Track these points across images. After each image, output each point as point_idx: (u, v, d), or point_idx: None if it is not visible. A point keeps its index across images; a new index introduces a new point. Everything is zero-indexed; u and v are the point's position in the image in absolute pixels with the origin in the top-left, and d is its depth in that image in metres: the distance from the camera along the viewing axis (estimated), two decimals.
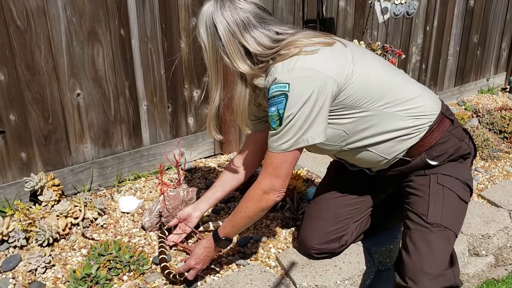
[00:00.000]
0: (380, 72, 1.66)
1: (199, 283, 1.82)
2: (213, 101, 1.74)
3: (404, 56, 2.89)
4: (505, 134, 3.15)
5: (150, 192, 2.47)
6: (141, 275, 1.87)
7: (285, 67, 1.51)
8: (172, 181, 2.55)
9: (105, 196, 2.42)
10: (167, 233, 2.07)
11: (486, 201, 2.48)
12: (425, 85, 2.89)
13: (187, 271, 1.77)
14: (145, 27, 2.35)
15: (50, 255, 1.94)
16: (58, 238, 2.03)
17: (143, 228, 2.16)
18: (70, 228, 2.10)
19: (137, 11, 2.30)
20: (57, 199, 2.19)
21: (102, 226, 2.18)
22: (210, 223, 2.16)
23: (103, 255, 1.88)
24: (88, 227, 2.16)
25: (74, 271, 1.81)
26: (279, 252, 2.00)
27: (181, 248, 2.00)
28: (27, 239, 2.01)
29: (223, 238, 1.74)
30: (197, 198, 2.23)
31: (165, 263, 1.87)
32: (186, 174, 2.65)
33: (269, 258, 1.97)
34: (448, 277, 1.52)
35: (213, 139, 2.81)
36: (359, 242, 2.03)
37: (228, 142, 2.85)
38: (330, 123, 1.61)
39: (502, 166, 2.84)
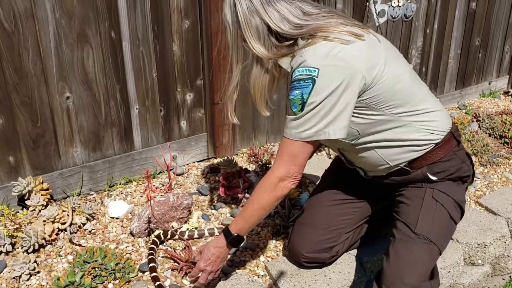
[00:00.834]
0: (407, 79, 1.59)
1: None
2: (232, 84, 1.71)
3: None
4: (506, 139, 3.09)
5: (141, 196, 2.44)
6: (127, 283, 1.83)
7: (318, 52, 1.44)
8: (163, 185, 2.52)
9: (95, 200, 2.38)
10: (157, 241, 2.03)
11: (483, 208, 2.42)
12: None
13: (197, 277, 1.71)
14: (137, 30, 2.31)
15: (35, 261, 1.92)
16: (44, 244, 2.00)
17: (131, 234, 2.13)
18: (57, 234, 2.07)
19: (128, 13, 2.26)
20: (45, 203, 2.16)
21: (90, 231, 2.14)
22: (195, 230, 2.12)
23: (88, 262, 1.85)
24: (75, 233, 2.12)
25: (58, 279, 1.78)
26: (268, 261, 1.96)
27: (169, 255, 1.96)
28: (13, 244, 1.98)
29: (235, 234, 1.65)
30: (187, 204, 2.19)
31: (155, 273, 1.83)
32: (178, 178, 2.61)
33: (257, 267, 1.93)
34: None
35: (206, 143, 2.77)
36: (351, 251, 1.98)
37: (222, 146, 2.81)
38: None
39: (501, 172, 2.78)
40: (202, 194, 2.45)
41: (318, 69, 1.42)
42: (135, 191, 2.48)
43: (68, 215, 2.12)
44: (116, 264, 1.85)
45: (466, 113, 3.62)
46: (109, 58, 2.28)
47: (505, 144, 3.07)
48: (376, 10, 2.66)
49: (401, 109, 1.57)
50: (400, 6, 2.88)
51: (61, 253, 1.99)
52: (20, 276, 1.82)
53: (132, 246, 2.06)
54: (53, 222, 2.06)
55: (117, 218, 2.25)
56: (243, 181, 2.29)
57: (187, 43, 2.49)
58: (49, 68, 2.13)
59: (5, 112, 2.08)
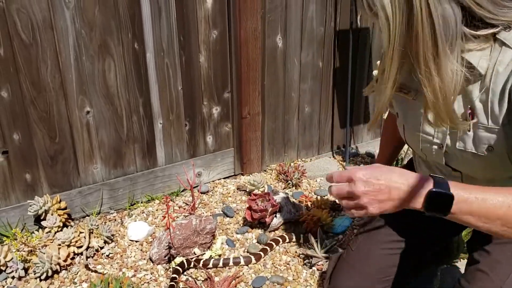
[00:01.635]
0: None
1: None
2: (385, 89, 1.13)
3: None
4: None
5: (163, 217, 2.29)
6: None
7: None
8: (187, 205, 2.37)
9: (115, 220, 2.26)
10: (180, 269, 1.89)
11: None
12: None
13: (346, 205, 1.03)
14: (161, 40, 2.17)
15: None
16: (59, 270, 1.88)
17: (151, 260, 1.99)
18: (73, 258, 1.95)
19: (152, 23, 2.12)
20: (61, 224, 2.04)
21: (108, 255, 2.01)
22: (220, 258, 1.96)
23: None
24: (92, 257, 2.00)
25: None
26: None
27: (189, 285, 1.81)
28: (26, 269, 1.87)
29: (450, 194, 0.93)
30: (210, 228, 2.04)
31: None
32: (203, 196, 2.46)
33: None
34: None
35: (233, 158, 2.61)
36: None
37: (250, 162, 2.64)
38: None
39: None
40: (227, 216, 2.29)
41: None
42: (157, 210, 2.34)
43: (85, 238, 2.00)
44: None
45: None
46: (132, 70, 2.15)
47: None
48: None
49: None
50: None
51: (75, 280, 1.87)
52: None
53: (151, 274, 1.91)
54: (68, 245, 1.94)
55: (136, 241, 2.11)
56: (271, 205, 2.11)
57: (214, 54, 2.34)
58: (69, 81, 2.01)
59: (22, 127, 1.97)
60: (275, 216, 2.17)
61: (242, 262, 1.94)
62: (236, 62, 2.40)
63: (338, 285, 1.51)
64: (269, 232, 2.17)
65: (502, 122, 1.08)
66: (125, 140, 2.24)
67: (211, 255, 2.01)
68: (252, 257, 1.96)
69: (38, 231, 2.03)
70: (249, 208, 2.15)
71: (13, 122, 1.95)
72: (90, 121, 2.12)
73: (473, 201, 0.93)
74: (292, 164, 2.74)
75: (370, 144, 3.17)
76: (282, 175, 2.58)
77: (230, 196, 2.47)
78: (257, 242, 2.11)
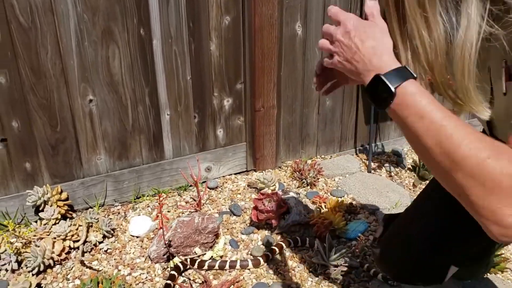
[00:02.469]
0: None
1: None
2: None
3: None
4: None
5: (168, 211, 2.20)
6: None
7: None
8: (195, 200, 2.26)
9: (118, 213, 2.17)
10: (181, 267, 1.78)
11: None
12: None
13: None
14: (169, 26, 2.05)
15: (39, 284, 1.73)
16: (52, 264, 1.81)
17: (149, 258, 1.89)
18: (68, 252, 1.88)
19: (159, 8, 2.01)
20: (59, 216, 1.97)
21: (106, 251, 1.93)
22: (217, 260, 1.84)
23: None
24: (90, 252, 1.92)
25: None
26: None
27: None
28: (19, 262, 1.80)
29: (391, 90, 0.83)
30: (212, 227, 1.92)
31: None
32: (211, 192, 2.35)
33: None
34: None
35: (245, 154, 2.48)
36: None
37: (263, 158, 2.50)
38: None
39: None
40: (234, 214, 2.16)
41: None
42: (163, 204, 2.24)
43: (82, 232, 1.92)
44: None
45: None
46: (138, 58, 2.04)
47: None
48: None
49: None
50: None
51: (69, 276, 1.79)
52: None
53: (147, 273, 1.81)
54: (64, 239, 1.87)
55: (137, 237, 2.02)
56: (279, 206, 1.97)
57: (226, 42, 2.20)
58: (70, 68, 1.93)
59: (21, 115, 1.91)
60: (283, 218, 2.02)
61: (238, 266, 1.81)
62: (250, 51, 2.25)
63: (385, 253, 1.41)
64: (276, 234, 2.02)
65: None
66: (130, 131, 2.15)
67: (212, 256, 1.89)
68: (250, 262, 1.82)
69: (36, 222, 1.97)
70: (255, 208, 2.01)
71: (11, 109, 1.88)
72: (93, 110, 2.03)
73: (415, 113, 0.81)
74: (308, 161, 2.57)
75: (397, 141, 2.96)
76: (297, 173, 2.43)
77: (240, 193, 2.34)
78: (263, 244, 1.97)
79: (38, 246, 1.78)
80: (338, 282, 1.75)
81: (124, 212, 2.18)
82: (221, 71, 2.24)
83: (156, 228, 2.07)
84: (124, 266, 1.85)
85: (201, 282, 1.76)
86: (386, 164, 2.73)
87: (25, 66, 1.85)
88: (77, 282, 1.76)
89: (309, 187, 2.39)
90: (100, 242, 1.95)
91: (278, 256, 1.90)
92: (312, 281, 1.77)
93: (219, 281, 1.76)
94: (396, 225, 1.44)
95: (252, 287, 1.73)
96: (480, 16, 0.83)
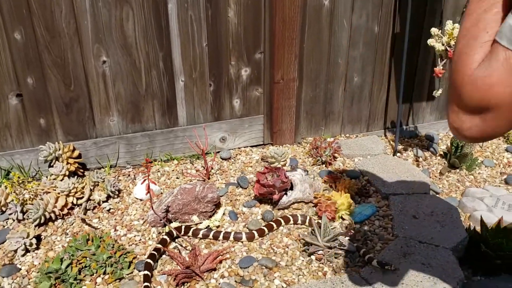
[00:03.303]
0: None
1: None
2: None
3: None
4: None
5: (177, 177, 2.20)
6: (118, 281, 1.62)
7: None
8: (212, 169, 2.24)
9: (129, 175, 2.21)
10: (174, 233, 1.78)
11: None
12: None
13: None
14: None
15: (39, 235, 1.80)
16: (53, 218, 1.87)
17: (147, 221, 1.90)
18: (71, 208, 1.93)
19: None
20: (67, 173, 2.03)
21: (108, 210, 1.97)
22: (213, 230, 1.81)
23: (81, 250, 1.66)
24: (93, 210, 1.97)
25: (47, 261, 1.63)
26: (282, 287, 1.58)
27: (170, 256, 1.70)
28: (24, 213, 1.88)
29: None
30: (212, 197, 1.90)
31: (148, 272, 1.59)
32: (223, 163, 2.32)
33: None
34: None
35: (262, 127, 2.42)
36: None
37: (281, 132, 2.42)
38: None
39: None
40: (240, 186, 2.12)
41: None
42: (173, 170, 2.25)
43: (91, 190, 1.96)
44: (109, 257, 1.64)
45: None
46: (152, 21, 2.02)
47: None
48: None
49: None
50: None
51: (68, 231, 1.85)
52: (16, 250, 1.71)
53: (142, 236, 1.83)
54: (67, 195, 1.92)
55: (140, 200, 2.04)
56: (281, 181, 1.90)
57: (246, 9, 2.12)
58: (84, 28, 1.95)
59: (35, 72, 1.96)
60: (285, 194, 1.96)
61: (231, 238, 1.78)
62: (270, 19, 2.16)
63: None
64: (278, 210, 1.97)
65: None
66: (144, 95, 2.15)
67: (208, 225, 1.87)
68: (244, 235, 1.78)
69: (47, 177, 2.04)
70: (258, 181, 1.96)
71: (27, 65, 1.94)
72: (106, 72, 2.05)
73: None
74: (328, 139, 2.47)
75: (432, 126, 2.77)
76: (314, 150, 2.33)
77: (251, 166, 2.29)
78: (262, 219, 1.92)
79: (42, 200, 1.84)
80: (330, 264, 1.67)
81: (134, 175, 2.21)
82: (239, 39, 2.18)
83: (161, 193, 2.09)
84: (122, 226, 1.88)
85: (191, 249, 1.75)
86: (415, 149, 2.56)
87: (40, 25, 1.89)
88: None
89: (324, 165, 2.29)
90: (104, 202, 2.00)
91: (275, 232, 1.85)
92: (303, 260, 1.70)
93: (209, 251, 1.74)
94: None
95: (240, 260, 1.69)
96: None
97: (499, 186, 2.31)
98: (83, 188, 1.98)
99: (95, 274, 1.62)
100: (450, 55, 2.10)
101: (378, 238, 1.81)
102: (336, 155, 2.33)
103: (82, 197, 1.96)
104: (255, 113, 2.38)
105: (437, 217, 1.90)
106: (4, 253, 1.73)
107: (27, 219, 1.88)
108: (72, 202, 1.93)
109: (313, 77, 2.39)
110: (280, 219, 1.87)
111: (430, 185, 2.16)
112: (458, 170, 2.40)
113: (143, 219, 1.93)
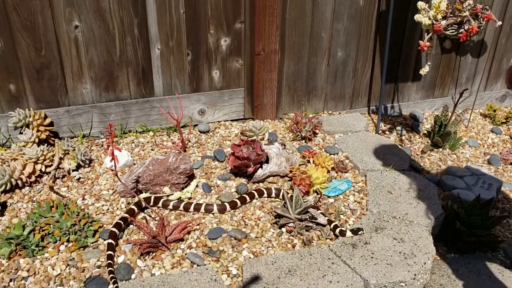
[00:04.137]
0: None
1: (133, 276, 1.47)
2: None
3: (499, 23, 2.06)
4: None
5: (152, 149, 2.15)
6: (82, 249, 1.57)
7: None
8: (190, 142, 2.19)
9: (102, 146, 2.15)
10: (143, 204, 1.73)
11: None
12: None
13: None
14: None
15: (5, 202, 1.75)
16: (21, 185, 1.82)
17: (116, 191, 1.86)
18: (40, 176, 1.88)
19: None
20: (36, 140, 1.97)
21: (78, 179, 1.92)
22: (183, 201, 1.77)
23: (45, 217, 1.61)
24: (62, 178, 1.91)
25: (9, 227, 1.58)
26: (250, 258, 1.54)
27: (137, 226, 1.65)
28: None
29: None
30: (184, 168, 1.84)
31: (112, 241, 1.55)
32: (201, 136, 2.26)
33: (233, 262, 1.53)
34: None
35: (243, 100, 2.36)
36: None
37: (262, 106, 2.37)
38: None
39: None
40: (217, 160, 2.07)
41: None
42: (148, 142, 2.19)
43: (61, 158, 1.91)
44: (73, 225, 1.59)
45: None
46: None
47: None
48: None
49: None
50: None
51: (34, 198, 1.80)
52: None
53: (110, 206, 1.78)
54: (36, 162, 1.87)
55: (112, 170, 1.99)
56: (256, 154, 1.85)
57: None
58: None
59: (4, 35, 1.89)
60: (261, 167, 1.91)
61: (202, 210, 1.74)
62: None
63: None
64: (253, 183, 1.92)
65: None
66: (118, 63, 2.09)
67: (180, 197, 1.82)
68: (215, 206, 1.74)
69: (17, 144, 1.98)
70: (233, 154, 1.91)
71: None
72: (78, 37, 1.98)
73: None
74: (309, 115, 2.41)
75: (418, 104, 2.72)
76: (295, 125, 2.28)
77: (230, 140, 2.24)
78: (236, 191, 1.88)
79: (5, 168, 1.79)
80: (301, 237, 1.63)
81: (108, 145, 2.15)
82: (218, 7, 2.10)
83: (134, 164, 2.03)
84: (90, 196, 1.83)
85: (159, 220, 1.70)
86: (399, 127, 2.51)
87: None
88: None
89: (303, 141, 2.24)
90: (74, 170, 1.94)
91: (248, 205, 1.80)
92: (273, 232, 1.66)
93: (178, 221, 1.70)
94: None
95: (209, 231, 1.65)
96: None
97: (481, 166, 2.27)
98: (53, 156, 1.93)
99: (58, 242, 1.57)
100: (437, 28, 2.03)
101: (351, 213, 1.77)
102: (316, 131, 2.28)
103: (51, 165, 1.90)
104: (235, 85, 2.32)
105: (413, 193, 1.86)
106: None
107: None
108: (41, 170, 1.88)
109: (295, 50, 2.32)
110: (254, 191, 1.82)
111: (410, 163, 2.12)
112: (441, 149, 2.36)
113: (113, 189, 1.88)
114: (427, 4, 2.11)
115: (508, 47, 2.71)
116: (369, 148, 2.18)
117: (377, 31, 2.40)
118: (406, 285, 1.45)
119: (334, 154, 2.14)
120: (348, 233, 1.60)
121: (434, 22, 2.07)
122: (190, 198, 1.83)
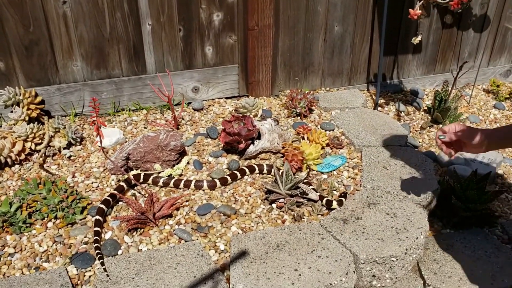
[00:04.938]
0: None
1: (120, 252, 1.45)
2: None
3: (458, 8, 1.99)
4: None
5: (144, 127, 2.12)
6: (70, 226, 1.56)
7: None
8: (183, 119, 2.16)
9: (94, 124, 2.12)
10: (133, 181, 1.71)
11: None
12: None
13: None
14: None
15: None
16: (10, 163, 1.81)
17: (107, 168, 1.84)
18: (30, 154, 1.86)
19: None
20: (26, 118, 1.95)
21: (69, 157, 1.90)
22: (173, 178, 1.74)
23: (32, 194, 1.60)
24: (52, 156, 1.90)
25: None
26: (238, 234, 1.52)
27: (125, 202, 1.63)
28: None
29: None
30: (175, 145, 1.82)
31: (99, 217, 1.53)
32: (195, 114, 2.23)
33: (221, 238, 1.51)
34: None
35: (237, 77, 2.31)
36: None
37: (257, 83, 2.32)
38: None
39: None
40: (209, 137, 2.04)
41: None
42: (141, 120, 2.17)
43: (50, 136, 1.89)
44: (60, 202, 1.57)
45: None
46: None
47: None
48: None
49: None
50: None
51: (24, 176, 1.78)
52: None
53: (100, 183, 1.76)
54: (25, 140, 1.85)
55: (103, 148, 1.97)
56: (247, 129, 1.82)
57: None
58: None
59: None
60: (252, 143, 1.88)
61: (192, 186, 1.71)
62: None
63: None
64: (244, 159, 1.89)
65: None
66: (108, 39, 2.05)
67: (170, 174, 1.80)
68: (205, 183, 1.71)
69: (7, 122, 1.97)
70: (224, 130, 1.88)
71: None
72: (67, 13, 1.95)
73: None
74: (302, 91, 2.36)
75: (418, 80, 2.65)
76: (290, 102, 2.24)
77: (224, 117, 2.20)
78: (227, 168, 1.85)
79: None
80: (291, 212, 1.60)
81: (92, 121, 2.13)
82: None
83: (126, 141, 2.01)
84: (81, 173, 1.81)
85: (147, 196, 1.68)
86: (398, 103, 2.45)
87: None
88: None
89: (298, 117, 2.20)
90: (64, 148, 1.92)
91: (239, 182, 1.77)
92: (263, 208, 1.63)
93: (168, 198, 1.67)
94: None
95: (198, 207, 1.63)
96: None
97: None
98: (43, 134, 1.91)
99: (46, 219, 1.56)
100: None
101: (345, 188, 1.73)
102: (312, 107, 2.24)
103: (41, 143, 1.88)
104: (229, 62, 2.27)
105: (409, 169, 1.82)
106: None
107: None
108: (31, 148, 1.86)
109: (290, 25, 2.27)
110: (245, 168, 1.79)
111: (407, 139, 2.07)
112: (441, 125, 2.30)
113: (103, 167, 1.86)
114: None
115: None
116: (366, 124, 2.14)
117: (375, 3, 2.34)
118: (397, 259, 1.42)
119: (329, 131, 2.10)
120: (334, 204, 1.58)
121: None
122: (181, 175, 1.81)
